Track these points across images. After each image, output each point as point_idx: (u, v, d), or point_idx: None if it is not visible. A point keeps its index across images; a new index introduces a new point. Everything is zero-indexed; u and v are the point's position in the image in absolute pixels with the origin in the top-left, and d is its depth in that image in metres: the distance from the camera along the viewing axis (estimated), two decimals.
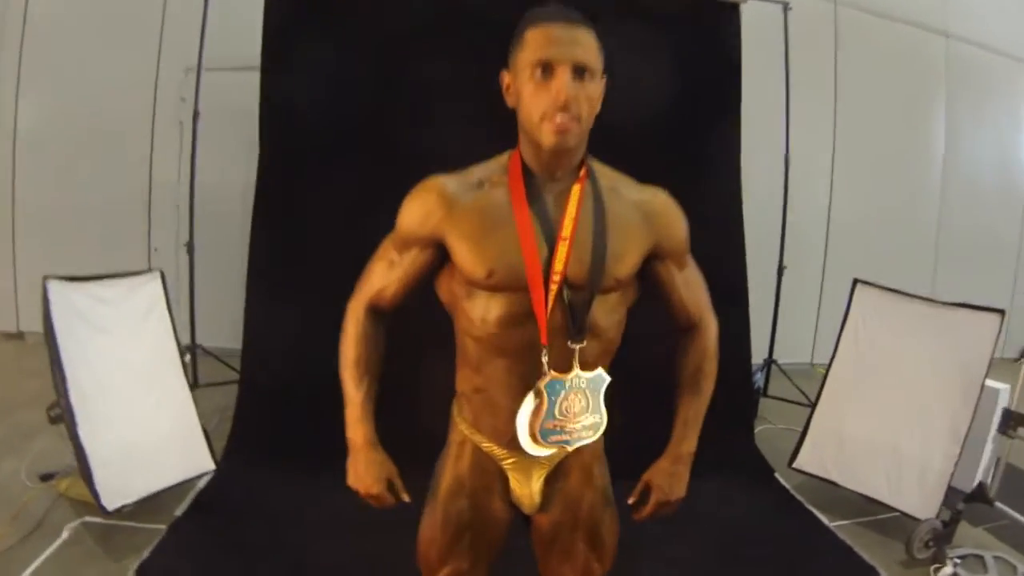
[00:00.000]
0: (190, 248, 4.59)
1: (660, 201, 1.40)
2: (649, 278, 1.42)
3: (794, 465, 3.55)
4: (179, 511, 2.97)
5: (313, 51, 3.36)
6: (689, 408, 1.50)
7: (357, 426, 1.43)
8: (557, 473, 1.46)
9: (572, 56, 1.19)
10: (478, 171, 1.35)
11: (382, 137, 3.40)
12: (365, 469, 1.42)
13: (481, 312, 1.30)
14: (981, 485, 2.99)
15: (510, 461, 1.43)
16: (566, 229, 1.28)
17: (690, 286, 1.48)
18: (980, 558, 3.06)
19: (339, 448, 1.48)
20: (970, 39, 5.98)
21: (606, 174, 1.38)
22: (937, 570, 2.93)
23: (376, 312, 1.45)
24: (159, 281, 3.16)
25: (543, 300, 1.25)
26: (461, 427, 1.47)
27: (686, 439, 1.50)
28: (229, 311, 3.95)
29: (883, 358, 3.49)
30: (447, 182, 1.33)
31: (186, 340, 4.54)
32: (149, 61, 5.12)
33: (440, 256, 1.36)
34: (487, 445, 1.43)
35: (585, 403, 1.31)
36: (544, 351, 1.26)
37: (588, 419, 1.32)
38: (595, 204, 1.32)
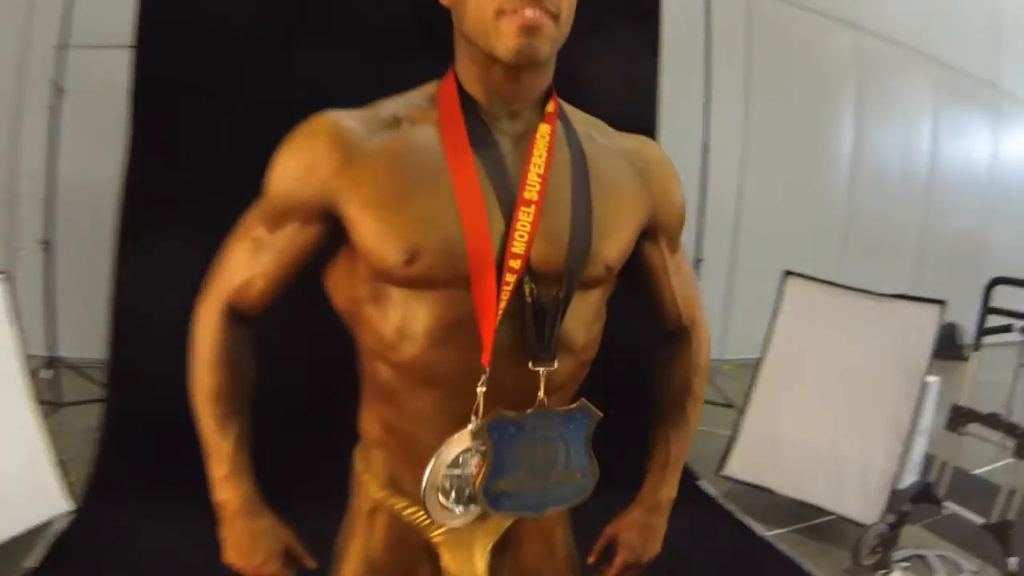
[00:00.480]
0: (48, 246, 4.01)
1: (653, 153, 1.03)
2: (632, 263, 1.03)
3: (724, 472, 3.31)
4: (31, 563, 2.44)
5: (190, 25, 2.95)
6: (671, 442, 1.14)
7: (229, 485, 1.01)
8: (505, 543, 1.06)
9: None
10: (390, 105, 0.94)
11: (270, 116, 2.96)
12: (250, 544, 1.02)
13: (397, 321, 0.89)
14: (928, 485, 2.84)
15: (441, 532, 1.01)
16: (530, 189, 0.88)
17: (681, 274, 1.11)
18: (923, 558, 2.92)
19: None
20: (879, 33, 6.03)
21: (577, 114, 1.00)
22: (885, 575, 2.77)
23: (238, 317, 1.01)
24: None
25: (493, 299, 0.86)
26: (371, 488, 1.05)
27: (665, 483, 1.14)
28: (97, 317, 3.41)
29: (818, 354, 3.29)
30: (342, 120, 0.90)
31: (49, 352, 4.04)
32: (13, 39, 4.44)
33: (331, 235, 0.93)
34: (409, 512, 1.02)
35: (562, 452, 0.92)
36: (482, 378, 0.88)
37: (558, 473, 0.93)
38: (572, 153, 0.93)
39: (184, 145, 3.07)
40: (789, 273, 3.46)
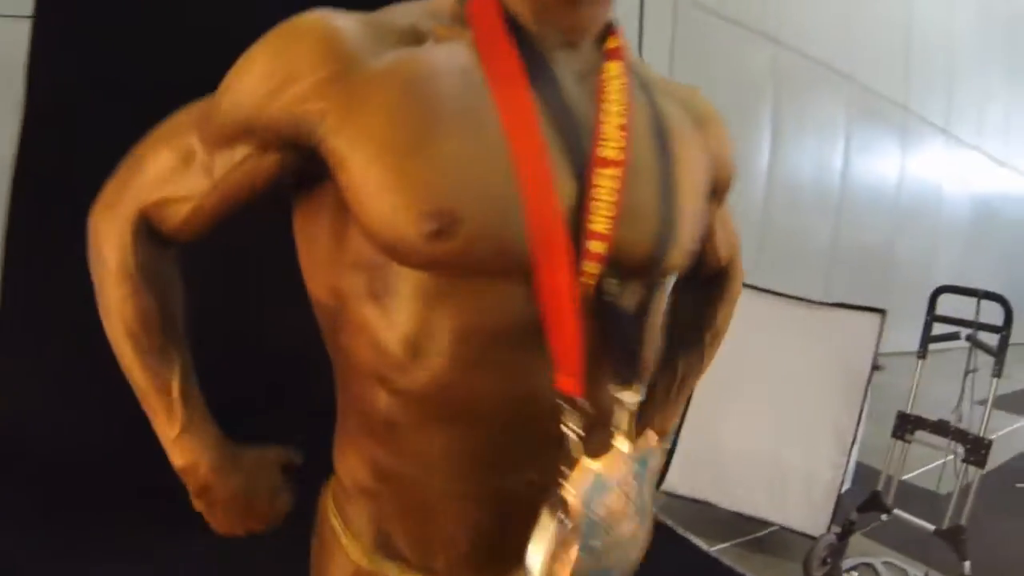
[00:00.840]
0: None
1: (706, 105, 0.84)
2: None
3: (663, 488, 3.17)
4: None
5: None
6: (689, 367, 1.00)
7: (189, 442, 0.75)
8: None
9: None
10: (404, 12, 0.67)
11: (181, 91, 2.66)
12: (244, 504, 0.80)
13: (408, 327, 0.63)
14: (876, 493, 2.80)
15: None
16: (610, 146, 0.64)
17: (725, 224, 0.98)
18: (870, 566, 2.90)
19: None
20: (797, 48, 6.16)
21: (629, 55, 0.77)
22: None
23: (155, 236, 0.73)
24: None
25: (569, 295, 0.61)
26: (351, 552, 0.77)
27: (669, 410, 1.00)
28: None
29: (757, 363, 3.20)
30: (339, 20, 0.63)
31: None
32: None
33: (297, 177, 0.68)
34: None
35: (624, 500, 0.64)
36: (571, 410, 0.62)
37: (629, 526, 0.66)
38: (646, 103, 0.72)
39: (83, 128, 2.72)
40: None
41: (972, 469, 2.59)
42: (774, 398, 3.16)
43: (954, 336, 2.80)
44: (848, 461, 2.96)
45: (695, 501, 3.13)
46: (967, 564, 2.49)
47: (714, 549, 2.96)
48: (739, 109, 6.01)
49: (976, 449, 2.57)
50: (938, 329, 2.90)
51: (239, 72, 0.65)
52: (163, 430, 0.75)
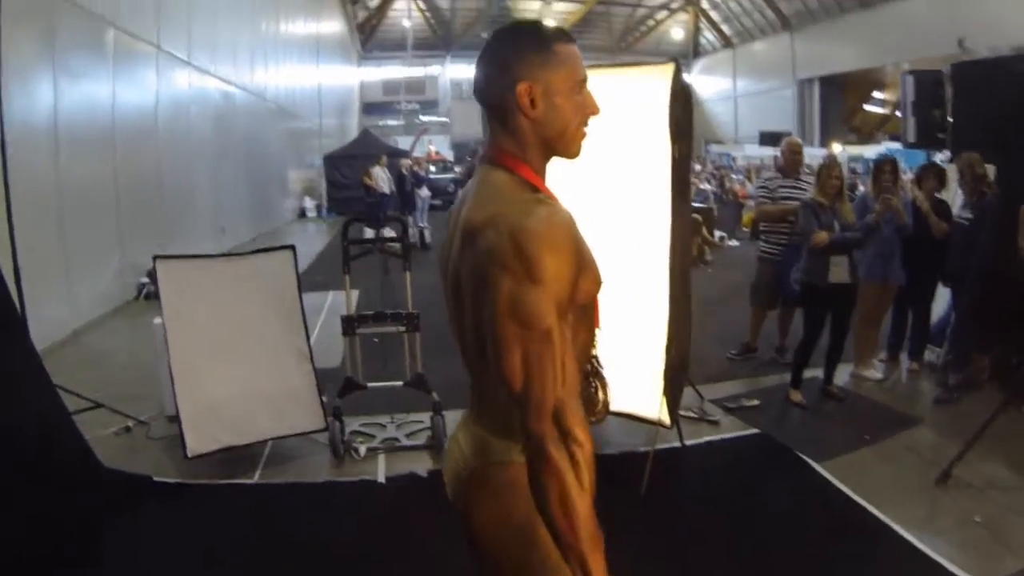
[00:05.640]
0: None
1: None
2: None
3: (190, 453, 3.44)
4: None
5: None
6: None
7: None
8: None
9: None
10: (522, 193, 1.23)
11: None
12: None
13: (581, 330, 1.25)
14: (349, 379, 3.75)
15: None
16: None
17: None
18: (359, 432, 3.93)
19: None
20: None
21: None
22: None
23: None
24: None
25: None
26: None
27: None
28: None
29: (211, 317, 3.68)
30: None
31: None
32: None
33: None
34: None
35: None
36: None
37: None
38: None
39: None
40: (157, 257, 3.62)
41: (417, 335, 3.78)
42: (239, 343, 3.70)
43: (368, 251, 3.83)
44: (313, 367, 3.77)
45: (222, 450, 3.53)
46: (435, 394, 3.73)
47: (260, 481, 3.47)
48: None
49: (411, 321, 3.76)
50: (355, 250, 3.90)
51: (559, 259, 1.11)
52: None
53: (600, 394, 1.38)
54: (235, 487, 3.43)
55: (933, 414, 4.36)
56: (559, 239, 1.12)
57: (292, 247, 3.87)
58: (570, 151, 1.29)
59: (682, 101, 3.31)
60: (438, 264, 1.35)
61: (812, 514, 3.20)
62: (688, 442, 3.77)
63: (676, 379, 3.52)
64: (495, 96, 1.25)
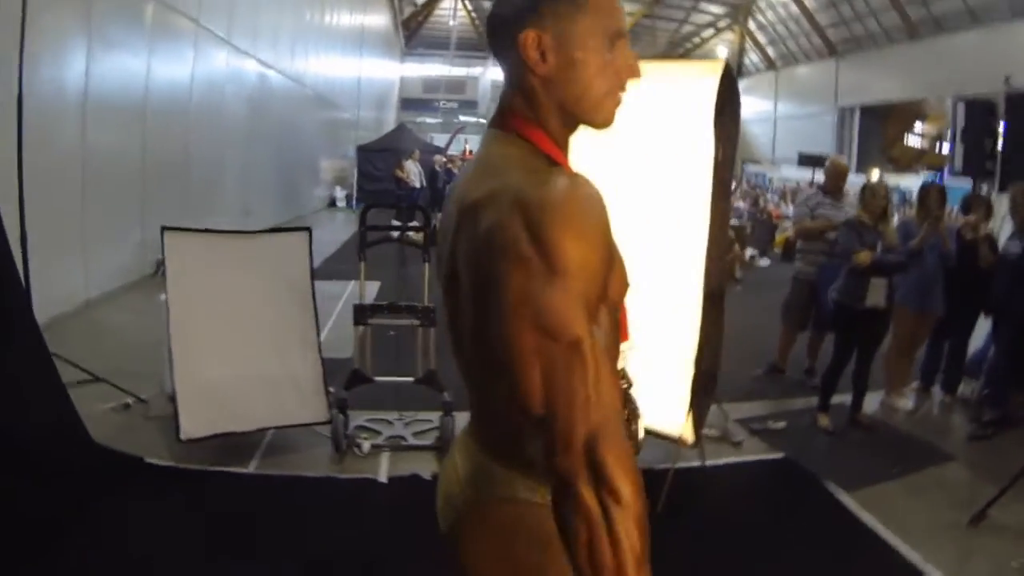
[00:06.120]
0: None
1: None
2: None
3: (183, 436, 3.29)
4: None
5: None
6: None
7: None
8: None
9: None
10: (536, 162, 0.97)
11: None
12: None
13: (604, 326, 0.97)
14: (357, 371, 3.60)
15: None
16: None
17: None
18: (365, 427, 3.78)
19: None
20: None
21: None
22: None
23: None
24: None
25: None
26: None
27: None
28: None
29: (216, 296, 3.53)
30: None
31: None
32: None
33: None
34: None
35: None
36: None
37: None
38: None
39: None
40: (165, 228, 3.49)
41: (432, 330, 3.61)
42: (244, 325, 3.54)
43: (388, 238, 3.69)
44: (320, 356, 3.62)
45: (216, 436, 3.35)
46: (447, 393, 3.54)
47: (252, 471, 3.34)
48: None
49: (426, 314, 3.59)
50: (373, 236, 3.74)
51: (593, 245, 0.86)
52: None
53: (632, 425, 1.09)
54: (228, 475, 3.28)
55: (966, 450, 4.13)
56: (586, 217, 0.85)
57: (308, 229, 3.73)
58: (596, 119, 1.02)
59: (730, 102, 3.13)
60: (435, 257, 1.12)
61: (836, 548, 2.99)
62: (709, 462, 3.56)
63: (705, 393, 3.33)
64: (502, 45, 1.00)
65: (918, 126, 25.21)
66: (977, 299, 4.59)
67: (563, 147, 1.03)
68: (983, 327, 4.94)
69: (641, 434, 1.13)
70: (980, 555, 2.94)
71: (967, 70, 15.42)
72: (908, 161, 25.18)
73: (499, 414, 0.99)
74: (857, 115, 24.39)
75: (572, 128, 1.04)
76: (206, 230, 3.63)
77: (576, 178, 0.89)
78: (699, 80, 3.12)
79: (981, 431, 4.30)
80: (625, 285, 1.01)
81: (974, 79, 14.26)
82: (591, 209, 0.86)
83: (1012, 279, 4.30)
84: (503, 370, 0.84)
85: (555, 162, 0.99)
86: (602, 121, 1.02)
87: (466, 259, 0.92)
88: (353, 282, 6.84)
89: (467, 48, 31.93)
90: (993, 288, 4.45)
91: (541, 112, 1.01)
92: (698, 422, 3.26)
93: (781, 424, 4.27)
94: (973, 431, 4.33)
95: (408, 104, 33.47)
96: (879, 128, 24.96)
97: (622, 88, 1.02)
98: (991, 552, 2.95)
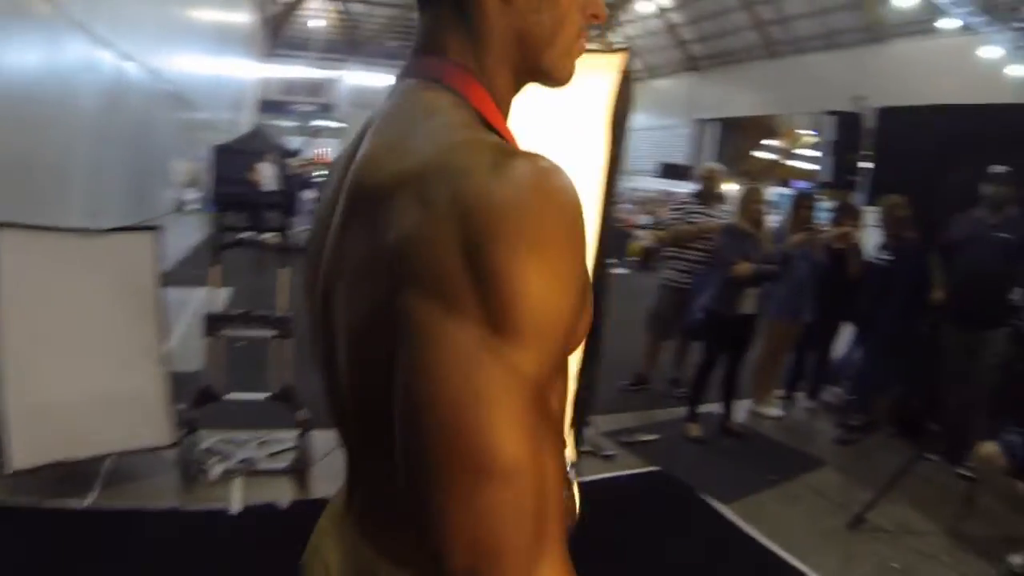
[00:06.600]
0: None
1: None
2: None
3: (15, 468, 2.80)
4: None
5: None
6: None
7: None
8: None
9: None
10: (476, 132, 0.63)
11: None
12: None
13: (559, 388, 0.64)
14: (208, 387, 3.22)
15: None
16: None
17: None
18: (209, 450, 3.35)
19: None
20: None
21: None
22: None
23: None
24: None
25: None
26: None
27: None
28: None
29: (55, 304, 3.07)
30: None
31: None
32: None
33: None
34: None
35: None
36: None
37: None
38: None
39: None
40: (4, 225, 2.99)
41: (287, 342, 3.28)
42: (81, 337, 3.10)
43: (241, 242, 3.33)
44: (164, 370, 3.20)
45: (51, 465, 2.90)
46: (303, 411, 3.23)
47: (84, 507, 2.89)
48: None
49: (283, 325, 3.28)
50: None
51: (572, 259, 0.57)
52: None
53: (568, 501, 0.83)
54: (59, 513, 2.84)
55: (835, 455, 4.25)
56: (559, 232, 0.54)
57: (155, 228, 3.34)
58: (562, 73, 0.75)
59: (626, 96, 3.00)
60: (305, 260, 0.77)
61: (721, 561, 2.95)
62: (581, 479, 3.42)
63: (585, 408, 3.20)
64: None
65: (768, 141, 26.75)
66: (843, 308, 4.74)
67: (505, 110, 0.74)
68: (844, 336, 5.11)
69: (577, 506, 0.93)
70: (862, 558, 3.01)
71: (822, 89, 16.42)
72: (757, 173, 26.89)
73: (392, 496, 0.61)
74: (713, 128, 25.54)
75: (519, 88, 0.76)
76: (48, 228, 3.16)
77: (540, 162, 0.56)
78: (597, 74, 2.98)
79: (848, 436, 4.45)
80: (589, 320, 0.66)
81: (829, 98, 15.31)
82: (566, 217, 0.55)
83: (879, 289, 4.46)
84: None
85: (498, 134, 0.67)
86: (566, 76, 0.76)
87: (356, 275, 0.61)
88: (204, 289, 6.34)
89: (330, 51, 31.27)
90: (860, 297, 4.60)
91: (488, 60, 0.71)
92: (578, 438, 3.13)
93: (652, 436, 4.21)
94: (840, 436, 4.47)
95: (267, 106, 32.35)
96: (732, 141, 26.33)
97: (586, 35, 0.76)
98: (872, 555, 3.03)
